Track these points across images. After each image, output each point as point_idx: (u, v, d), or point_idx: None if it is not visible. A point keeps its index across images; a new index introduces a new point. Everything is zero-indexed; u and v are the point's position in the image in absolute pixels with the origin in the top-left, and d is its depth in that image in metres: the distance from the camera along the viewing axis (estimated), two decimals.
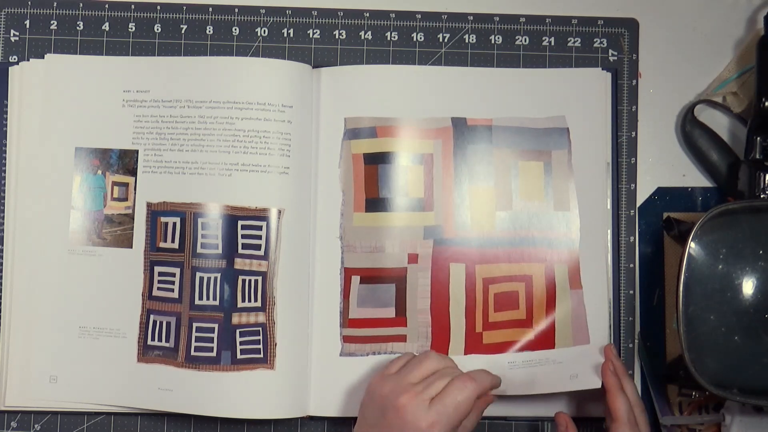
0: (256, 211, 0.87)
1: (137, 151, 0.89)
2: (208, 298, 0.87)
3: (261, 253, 0.87)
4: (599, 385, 0.83)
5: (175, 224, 0.88)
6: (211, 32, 0.92)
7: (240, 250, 0.87)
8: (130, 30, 0.92)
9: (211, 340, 0.87)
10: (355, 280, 0.89)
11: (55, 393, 0.88)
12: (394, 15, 0.92)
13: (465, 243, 0.89)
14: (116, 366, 0.88)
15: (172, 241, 0.88)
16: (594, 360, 0.85)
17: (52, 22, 0.91)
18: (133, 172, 0.89)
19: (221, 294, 0.87)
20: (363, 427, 0.81)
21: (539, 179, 0.89)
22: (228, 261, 0.87)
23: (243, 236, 0.87)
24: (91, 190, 0.89)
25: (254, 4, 0.92)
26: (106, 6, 0.92)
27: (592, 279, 0.89)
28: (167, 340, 0.88)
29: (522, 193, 0.89)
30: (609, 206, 0.91)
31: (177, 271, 0.88)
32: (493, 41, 0.92)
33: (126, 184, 0.89)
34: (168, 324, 0.88)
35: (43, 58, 0.90)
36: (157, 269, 0.88)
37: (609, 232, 0.90)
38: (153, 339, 0.88)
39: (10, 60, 0.91)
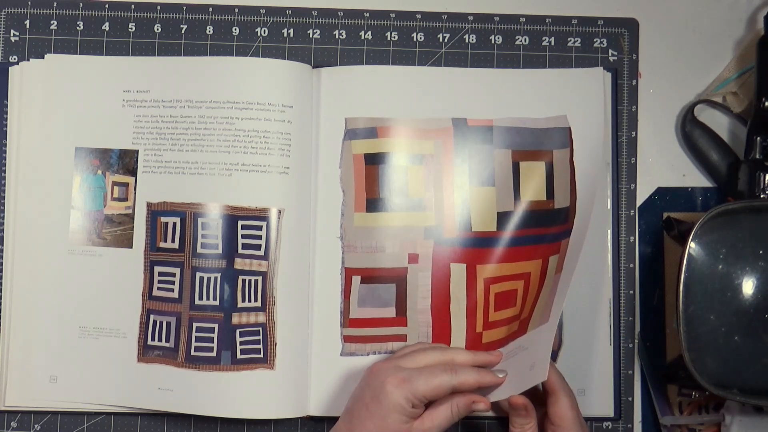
0: (256, 211, 0.87)
1: (137, 151, 0.89)
2: (208, 298, 0.87)
3: (261, 253, 0.87)
4: (546, 377, 0.77)
5: (175, 224, 0.88)
6: (211, 32, 0.92)
7: (240, 250, 0.87)
8: (130, 30, 0.92)
9: (211, 340, 0.87)
10: (356, 280, 0.89)
11: (55, 393, 0.88)
12: (394, 15, 0.92)
13: (466, 243, 0.89)
14: (116, 366, 0.88)
15: (172, 241, 0.88)
16: (546, 341, 0.80)
17: (52, 22, 0.91)
18: (133, 172, 0.89)
19: (221, 294, 0.87)
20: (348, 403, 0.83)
21: (541, 179, 0.89)
22: (228, 261, 0.87)
23: (243, 236, 0.87)
24: (91, 190, 0.89)
25: (254, 4, 0.92)
26: (106, 6, 0.92)
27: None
28: (167, 340, 0.88)
29: (524, 193, 0.89)
30: (609, 206, 0.91)
31: (177, 271, 0.88)
32: (493, 41, 0.92)
33: (126, 184, 0.89)
34: (168, 324, 0.88)
35: (43, 58, 0.90)
36: (157, 269, 0.88)
37: (609, 232, 0.90)
38: (153, 339, 0.88)
39: (10, 60, 0.91)
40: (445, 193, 0.90)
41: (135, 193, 0.89)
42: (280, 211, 0.88)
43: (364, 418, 0.79)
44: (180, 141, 0.88)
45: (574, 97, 0.90)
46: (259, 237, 0.87)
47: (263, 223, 0.87)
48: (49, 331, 0.88)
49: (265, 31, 0.92)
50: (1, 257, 0.89)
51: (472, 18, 0.93)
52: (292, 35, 0.92)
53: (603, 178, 0.90)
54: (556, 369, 0.82)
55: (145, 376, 0.87)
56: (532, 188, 0.89)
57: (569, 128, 0.89)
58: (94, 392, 0.88)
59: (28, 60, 0.90)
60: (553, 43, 0.92)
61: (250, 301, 0.87)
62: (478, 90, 0.90)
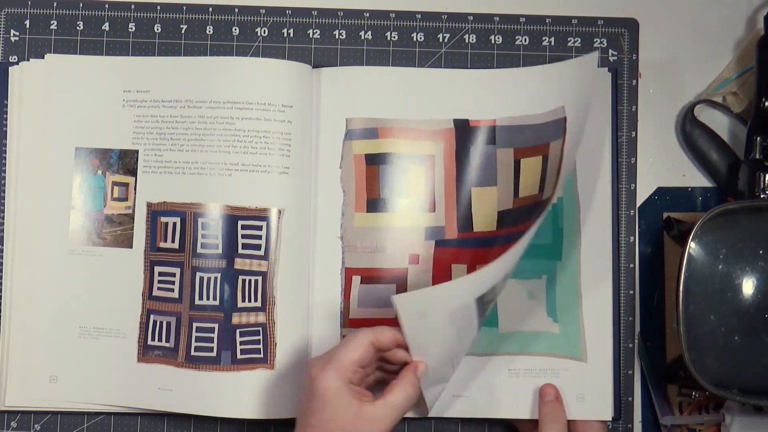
0: (256, 211, 0.87)
1: (137, 151, 0.89)
2: (208, 298, 0.87)
3: (261, 253, 0.87)
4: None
5: (175, 224, 0.88)
6: (211, 32, 0.92)
7: (240, 250, 0.87)
8: (130, 30, 0.92)
9: (211, 340, 0.87)
10: (356, 280, 0.89)
11: (55, 393, 0.88)
12: (394, 15, 0.92)
13: (467, 244, 0.89)
14: (116, 366, 0.88)
15: (172, 241, 0.88)
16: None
17: (52, 22, 0.91)
18: (133, 172, 0.89)
19: (221, 294, 0.87)
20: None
21: (537, 173, 0.89)
22: (228, 261, 0.87)
23: (243, 236, 0.87)
24: (91, 190, 0.89)
25: (254, 4, 0.92)
26: (106, 6, 0.92)
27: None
28: (167, 340, 0.87)
29: (522, 190, 0.89)
30: (609, 206, 0.90)
31: (177, 271, 0.88)
32: (493, 41, 0.92)
33: (126, 184, 0.89)
34: (168, 324, 0.88)
35: (43, 58, 0.90)
36: (157, 269, 0.88)
37: (609, 232, 0.90)
38: (153, 339, 0.88)
39: (10, 60, 0.91)
40: (446, 193, 0.89)
41: (135, 193, 0.89)
42: (280, 211, 0.87)
43: (308, 418, 0.74)
44: (180, 141, 0.88)
45: (569, 87, 0.88)
46: (259, 237, 0.87)
47: (263, 223, 0.87)
48: (49, 331, 0.88)
49: (265, 31, 0.92)
50: (1, 257, 0.89)
51: (472, 18, 0.93)
52: (292, 35, 0.92)
53: (605, 178, 0.89)
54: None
55: (145, 376, 0.87)
56: (529, 183, 0.89)
57: (564, 118, 0.88)
58: (94, 392, 0.88)
59: (28, 60, 0.90)
60: (553, 43, 0.92)
61: (250, 301, 0.87)
62: (480, 91, 0.90)
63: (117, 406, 0.88)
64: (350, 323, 0.89)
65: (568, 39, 0.92)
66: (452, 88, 0.90)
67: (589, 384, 0.86)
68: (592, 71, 0.87)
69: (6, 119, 0.89)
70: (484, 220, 0.89)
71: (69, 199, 0.89)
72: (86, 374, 0.88)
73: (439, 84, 0.90)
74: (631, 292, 0.90)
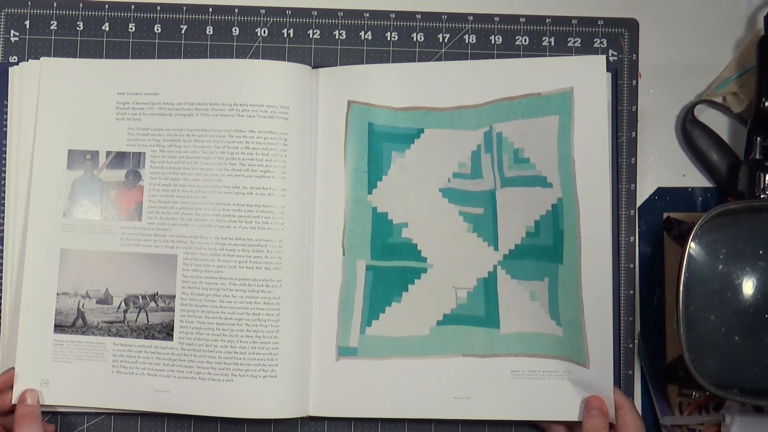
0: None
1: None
2: None
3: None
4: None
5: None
6: (211, 32, 0.92)
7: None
8: (130, 30, 0.92)
9: None
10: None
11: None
12: (394, 15, 0.92)
13: None
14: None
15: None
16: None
17: (52, 22, 0.91)
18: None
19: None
20: None
21: None
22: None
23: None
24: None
25: (254, 4, 0.92)
26: (106, 6, 0.92)
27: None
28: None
29: None
30: (609, 206, 0.90)
31: None
32: (493, 41, 0.92)
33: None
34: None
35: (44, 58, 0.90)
36: None
37: (609, 232, 0.90)
38: None
39: (10, 60, 0.91)
40: None
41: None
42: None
43: None
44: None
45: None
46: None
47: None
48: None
49: (265, 31, 0.92)
50: (1, 257, 0.89)
51: (472, 18, 0.93)
52: (292, 35, 0.92)
53: (605, 178, 0.88)
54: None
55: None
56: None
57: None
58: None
59: (28, 60, 0.90)
60: (553, 43, 0.92)
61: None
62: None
63: (116, 409, 0.88)
64: None
65: (568, 39, 0.92)
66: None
67: (591, 388, 0.85)
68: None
69: (6, 119, 0.89)
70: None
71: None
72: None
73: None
74: (631, 292, 0.90)
